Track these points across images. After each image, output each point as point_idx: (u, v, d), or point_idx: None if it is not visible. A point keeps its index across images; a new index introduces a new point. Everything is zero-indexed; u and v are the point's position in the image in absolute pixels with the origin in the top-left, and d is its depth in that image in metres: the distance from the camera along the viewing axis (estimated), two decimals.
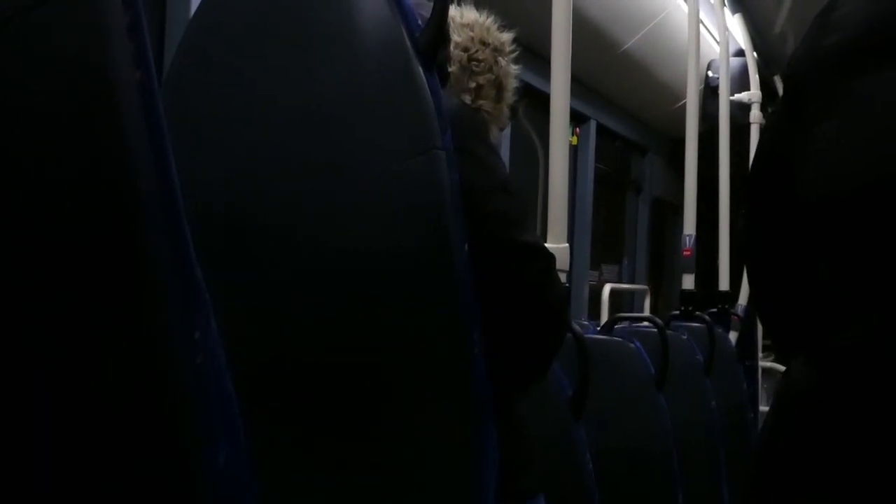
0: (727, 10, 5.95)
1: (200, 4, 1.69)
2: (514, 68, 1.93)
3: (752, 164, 1.34)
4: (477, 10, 1.94)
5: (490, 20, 1.91)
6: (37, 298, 0.64)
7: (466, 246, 1.46)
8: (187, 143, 1.50)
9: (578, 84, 3.45)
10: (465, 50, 1.86)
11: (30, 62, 0.63)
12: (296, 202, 1.53)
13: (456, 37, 1.84)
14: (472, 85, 1.86)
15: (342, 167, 1.49)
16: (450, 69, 1.79)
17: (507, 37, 1.92)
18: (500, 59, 1.89)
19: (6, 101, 0.62)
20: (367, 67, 1.49)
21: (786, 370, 1.23)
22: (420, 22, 1.48)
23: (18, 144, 0.63)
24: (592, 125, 6.12)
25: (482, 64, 1.86)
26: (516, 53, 1.94)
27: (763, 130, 1.46)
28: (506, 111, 1.93)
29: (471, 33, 1.87)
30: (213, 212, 1.52)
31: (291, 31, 1.56)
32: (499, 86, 1.89)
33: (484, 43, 1.87)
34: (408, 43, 1.45)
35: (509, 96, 1.93)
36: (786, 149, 1.20)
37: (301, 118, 1.53)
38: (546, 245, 1.70)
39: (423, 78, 1.44)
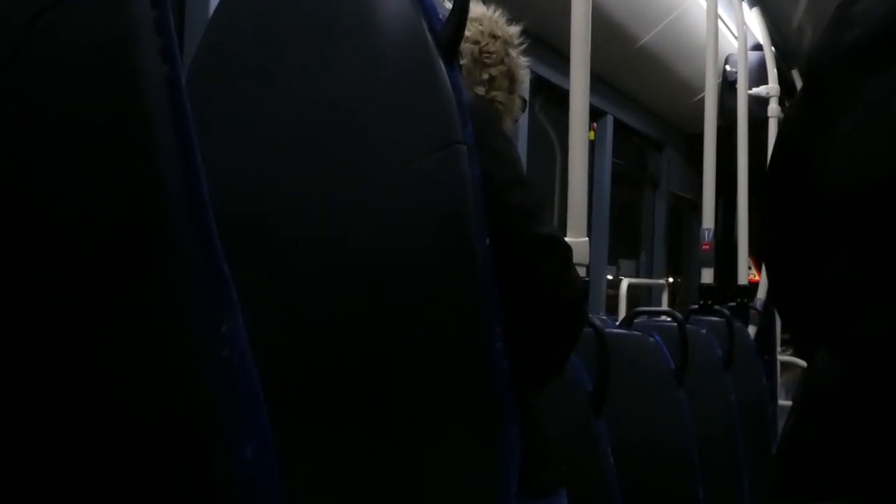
0: (745, 5, 5.93)
1: (219, 3, 1.69)
2: (525, 60, 1.94)
3: (771, 158, 1.34)
4: (486, 4, 1.95)
5: (497, 14, 1.93)
6: (63, 291, 0.64)
7: (488, 241, 1.46)
8: (207, 141, 1.50)
9: (596, 79, 3.44)
10: (476, 43, 1.87)
11: (58, 56, 0.63)
12: (316, 199, 1.53)
13: (465, 31, 1.85)
14: (485, 77, 1.87)
15: (363, 163, 1.49)
16: (462, 62, 1.80)
17: (515, 30, 1.93)
18: (510, 50, 1.90)
19: (35, 94, 0.62)
20: (388, 62, 1.49)
21: (809, 363, 1.22)
22: (441, 17, 1.49)
23: (47, 138, 0.63)
24: (610, 120, 6.10)
25: (494, 56, 1.87)
26: (525, 45, 1.95)
27: (781, 124, 1.45)
28: (518, 102, 1.94)
29: (480, 27, 1.88)
30: (232, 209, 1.52)
31: (311, 27, 1.56)
32: (511, 77, 1.90)
33: (493, 36, 1.89)
34: (429, 37, 1.45)
35: (521, 87, 1.94)
36: (806, 142, 1.19)
37: (321, 115, 1.54)
38: (566, 239, 1.70)
39: (445, 72, 1.44)
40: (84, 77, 0.64)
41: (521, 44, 1.94)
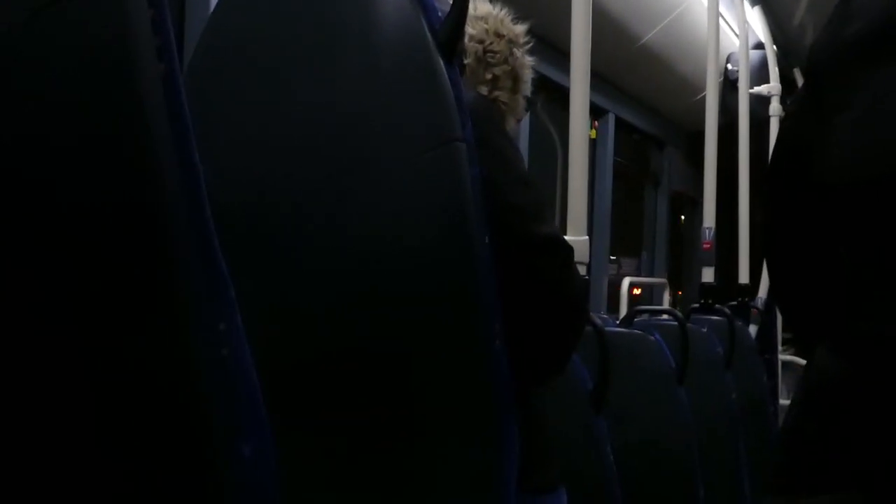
0: (746, 3, 5.92)
1: (218, 2, 1.69)
2: (530, 60, 1.94)
3: (773, 154, 1.34)
4: (491, 2, 1.94)
5: (504, 12, 1.92)
6: (60, 287, 0.64)
7: (487, 238, 1.46)
8: (206, 140, 1.50)
9: (597, 78, 3.45)
10: (481, 42, 1.86)
11: (57, 53, 0.63)
12: (316, 196, 1.53)
13: (470, 29, 1.84)
14: (489, 76, 1.86)
15: (363, 160, 1.49)
16: (465, 61, 1.79)
17: (520, 29, 1.92)
18: (515, 50, 1.89)
19: (32, 93, 0.62)
20: (388, 60, 1.49)
21: (809, 361, 1.22)
22: (440, 14, 1.48)
23: (44, 137, 0.63)
24: (611, 118, 6.10)
25: (498, 55, 1.86)
26: (531, 45, 1.94)
27: (783, 119, 1.45)
28: (522, 102, 1.93)
29: (485, 25, 1.87)
30: (232, 207, 1.52)
31: (310, 26, 1.56)
32: (515, 77, 1.90)
33: (499, 35, 1.88)
34: (428, 36, 1.45)
35: (525, 87, 1.93)
36: (807, 137, 1.19)
37: (321, 113, 1.54)
38: (566, 238, 1.69)
39: (444, 70, 1.44)
40: (81, 76, 0.64)
41: (526, 43, 1.93)
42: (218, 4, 1.69)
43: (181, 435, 0.68)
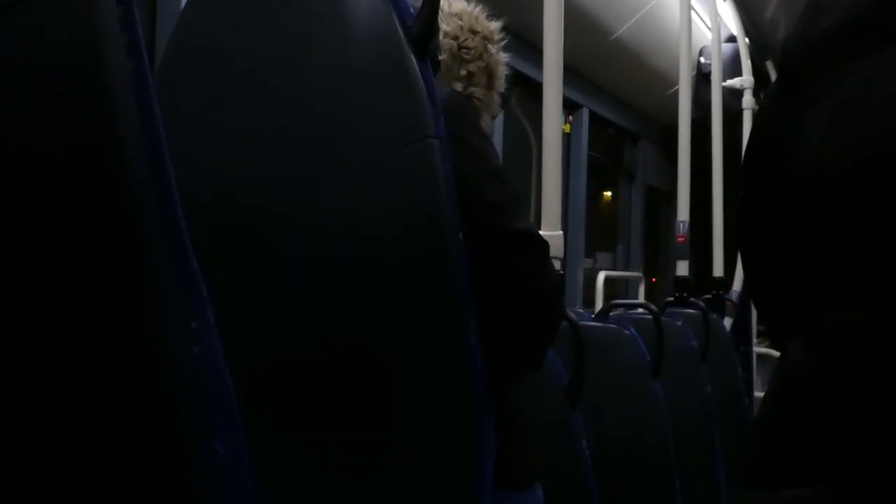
0: None
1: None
2: (504, 56, 1.94)
3: (747, 147, 1.34)
4: None
5: (478, 9, 1.92)
6: (29, 287, 0.64)
7: (461, 234, 1.46)
8: (180, 136, 1.50)
9: (570, 72, 3.44)
10: (455, 38, 1.86)
11: (24, 52, 0.63)
12: (289, 193, 1.53)
13: (445, 26, 1.84)
14: (463, 73, 1.86)
15: (335, 157, 1.49)
16: (440, 58, 1.79)
17: (495, 25, 1.92)
18: (489, 46, 1.89)
19: (0, 91, 0.62)
20: (360, 57, 1.49)
21: (782, 353, 1.23)
22: (412, 11, 1.48)
23: (11, 133, 0.63)
24: (585, 113, 6.11)
25: (472, 52, 1.86)
26: (505, 42, 1.94)
27: (757, 114, 1.46)
28: (497, 98, 1.93)
29: (459, 22, 1.87)
30: (205, 203, 1.52)
31: (283, 22, 1.56)
32: (489, 73, 1.90)
33: (473, 31, 1.88)
34: (400, 32, 1.45)
35: (500, 83, 1.93)
36: (781, 130, 1.20)
37: (293, 109, 1.53)
38: (540, 233, 1.70)
39: (417, 67, 1.44)
40: (49, 75, 0.63)
41: (501, 39, 1.93)
42: (188, 2, 1.68)
43: (153, 433, 0.67)
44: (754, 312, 5.66)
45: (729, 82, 6.36)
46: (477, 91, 1.87)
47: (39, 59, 0.63)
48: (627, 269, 7.27)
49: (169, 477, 0.68)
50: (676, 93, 5.01)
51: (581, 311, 4.04)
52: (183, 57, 1.66)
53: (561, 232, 2.62)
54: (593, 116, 6.27)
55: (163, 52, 1.68)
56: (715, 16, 5.86)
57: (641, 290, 6.53)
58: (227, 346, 0.73)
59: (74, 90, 0.64)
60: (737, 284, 5.95)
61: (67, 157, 0.64)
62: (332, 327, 1.51)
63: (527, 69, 4.45)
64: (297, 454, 1.54)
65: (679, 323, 3.92)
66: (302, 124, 1.52)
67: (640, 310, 3.86)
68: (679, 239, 4.97)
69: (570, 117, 6.01)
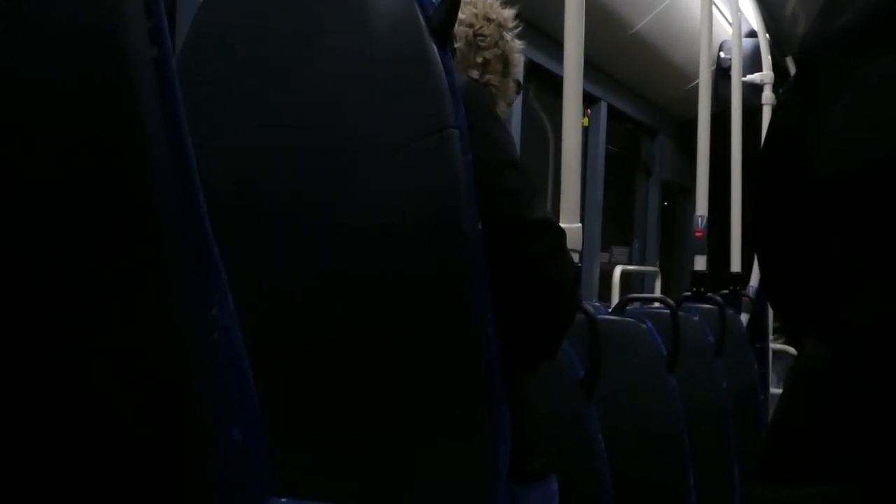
0: None
1: None
2: (519, 43, 1.94)
3: (764, 143, 1.34)
4: None
5: None
6: (52, 276, 0.64)
7: (480, 225, 1.46)
8: (200, 123, 1.50)
9: (590, 66, 3.43)
10: (470, 26, 1.86)
11: (47, 35, 0.63)
12: (309, 183, 1.53)
13: (460, 14, 1.84)
14: (479, 60, 1.86)
15: (356, 146, 1.49)
16: (456, 45, 1.79)
17: (509, 13, 1.93)
18: (504, 33, 1.90)
19: (23, 77, 0.62)
20: (381, 46, 1.49)
21: (799, 350, 1.22)
22: (433, 0, 1.48)
23: (35, 118, 0.63)
24: (603, 107, 6.09)
25: (488, 39, 1.87)
26: (519, 28, 1.94)
27: (774, 110, 1.45)
28: (512, 86, 1.94)
29: (474, 10, 1.88)
30: (224, 191, 1.52)
31: (303, 12, 1.56)
32: (505, 60, 1.90)
33: (488, 18, 1.88)
34: (422, 21, 1.45)
35: (516, 71, 1.94)
36: (798, 127, 1.19)
37: (314, 98, 1.53)
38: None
39: (438, 56, 1.44)
40: (72, 59, 0.63)
41: (515, 27, 1.93)
42: None
43: (171, 419, 0.68)
44: (770, 308, 5.64)
45: (749, 77, 6.33)
46: (493, 78, 1.87)
47: (64, 44, 0.63)
48: (643, 264, 7.25)
49: (187, 463, 0.69)
50: (695, 88, 4.98)
51: (597, 304, 4.03)
52: (203, 44, 1.66)
53: (580, 224, 2.62)
54: (611, 110, 6.26)
55: (183, 38, 1.68)
56: (736, 10, 5.84)
57: (658, 284, 6.52)
58: (246, 334, 0.73)
59: (97, 74, 0.64)
60: (753, 280, 5.93)
61: (90, 143, 0.64)
62: (349, 318, 1.51)
63: (546, 62, 4.44)
64: (313, 444, 1.55)
65: (695, 318, 3.91)
66: (322, 113, 1.52)
67: (657, 304, 3.85)
68: (697, 234, 4.95)
69: (589, 111, 6.00)
